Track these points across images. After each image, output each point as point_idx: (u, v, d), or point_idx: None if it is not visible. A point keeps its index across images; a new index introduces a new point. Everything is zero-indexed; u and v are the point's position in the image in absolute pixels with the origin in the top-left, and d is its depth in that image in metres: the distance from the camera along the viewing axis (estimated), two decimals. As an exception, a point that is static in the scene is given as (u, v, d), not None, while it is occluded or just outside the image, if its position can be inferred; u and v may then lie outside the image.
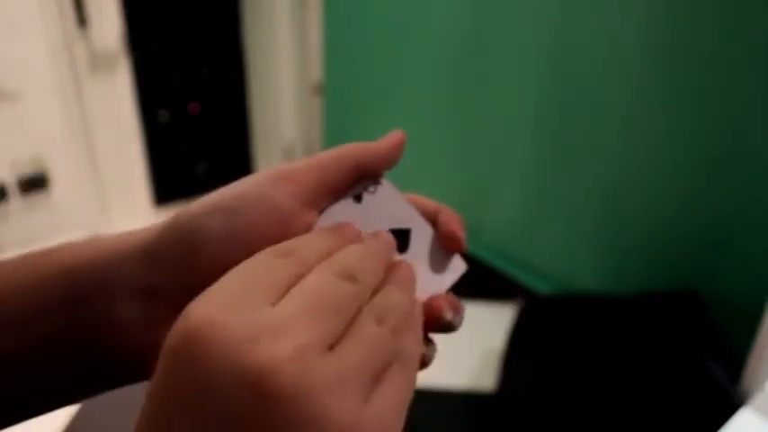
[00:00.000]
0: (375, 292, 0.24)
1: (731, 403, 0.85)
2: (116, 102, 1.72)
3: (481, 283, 1.54)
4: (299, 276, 0.23)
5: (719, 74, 1.04)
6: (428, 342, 0.30)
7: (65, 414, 1.24)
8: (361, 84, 1.76)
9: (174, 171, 1.95)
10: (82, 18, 1.56)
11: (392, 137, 0.31)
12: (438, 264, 0.32)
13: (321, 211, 0.29)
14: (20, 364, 0.25)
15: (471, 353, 1.41)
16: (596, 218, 1.30)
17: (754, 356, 0.88)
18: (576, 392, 0.96)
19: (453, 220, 0.31)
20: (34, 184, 1.57)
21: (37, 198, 1.58)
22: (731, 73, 1.03)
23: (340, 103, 1.88)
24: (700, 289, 1.14)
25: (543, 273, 1.45)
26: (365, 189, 0.31)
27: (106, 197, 1.78)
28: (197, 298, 0.21)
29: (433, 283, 0.31)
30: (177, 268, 0.25)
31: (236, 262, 0.25)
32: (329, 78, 1.87)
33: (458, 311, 0.30)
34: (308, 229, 0.28)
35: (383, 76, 1.67)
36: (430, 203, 0.32)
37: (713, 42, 1.03)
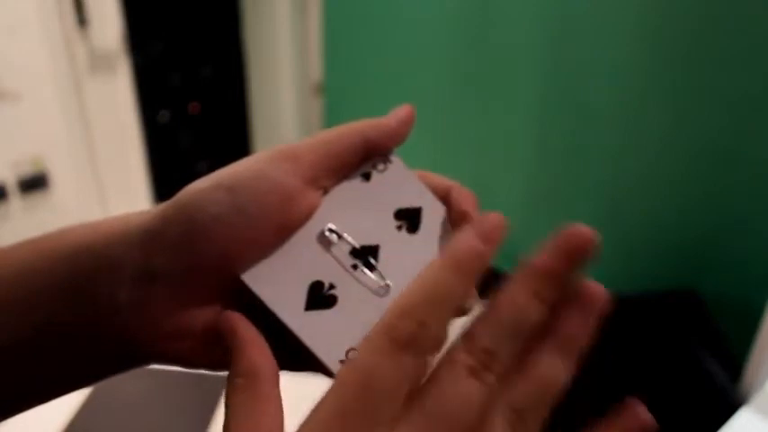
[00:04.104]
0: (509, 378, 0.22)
1: (731, 403, 0.85)
2: (116, 102, 1.72)
3: (481, 283, 1.54)
4: (420, 378, 0.21)
5: (722, 75, 1.04)
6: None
7: (65, 414, 1.24)
8: (361, 84, 1.76)
9: (174, 171, 1.95)
10: (82, 18, 1.56)
11: (400, 112, 0.29)
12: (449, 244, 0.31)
13: (327, 191, 0.29)
14: (21, 350, 0.25)
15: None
16: (597, 218, 1.30)
17: (754, 356, 0.88)
18: (576, 391, 0.96)
19: (466, 199, 0.30)
20: (34, 184, 1.57)
21: (37, 198, 1.58)
22: (734, 74, 1.03)
23: (340, 103, 1.88)
24: (700, 289, 1.14)
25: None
26: (374, 167, 0.30)
27: (106, 197, 1.78)
28: (306, 421, 0.20)
29: None
30: (178, 249, 0.24)
31: (237, 241, 0.25)
32: (329, 78, 1.87)
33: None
34: (311, 208, 0.27)
35: (383, 76, 1.67)
36: (442, 180, 0.31)
37: (716, 41, 1.03)
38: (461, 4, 1.40)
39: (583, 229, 0.22)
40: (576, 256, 0.22)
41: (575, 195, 1.33)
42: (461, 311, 0.28)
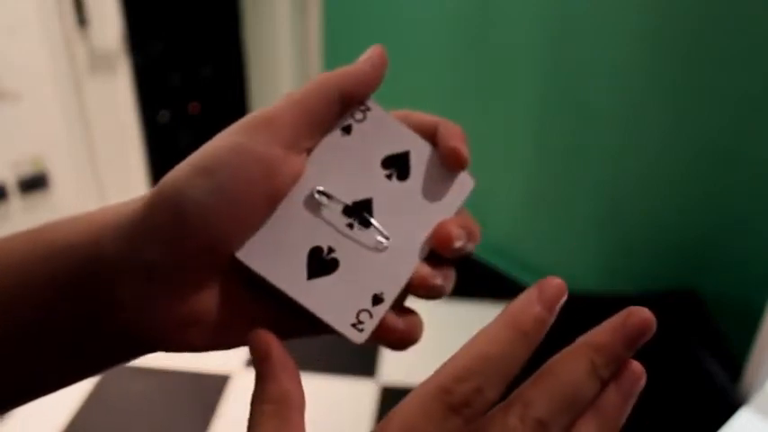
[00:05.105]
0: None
1: (731, 403, 0.85)
2: (116, 102, 1.72)
3: (481, 283, 1.54)
4: None
5: (722, 75, 1.04)
6: (445, 268, 0.28)
7: (65, 413, 1.24)
8: (361, 84, 1.76)
9: (174, 171, 1.95)
10: (82, 18, 1.56)
11: (372, 54, 0.28)
12: (443, 185, 0.29)
13: (309, 152, 0.27)
14: (18, 344, 0.24)
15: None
16: (597, 218, 1.30)
17: (754, 356, 0.88)
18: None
19: (453, 134, 0.28)
20: (34, 184, 1.57)
21: (37, 198, 1.58)
22: (734, 74, 1.03)
23: (340, 103, 1.88)
24: (700, 289, 1.14)
25: (543, 273, 1.44)
26: (353, 118, 0.28)
27: (106, 197, 1.78)
28: None
29: (441, 207, 0.28)
30: (168, 241, 0.24)
31: (226, 222, 0.24)
32: (329, 78, 1.87)
33: (472, 236, 0.28)
34: (297, 173, 0.26)
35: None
36: (426, 118, 0.29)
37: (716, 41, 1.03)
38: (461, 5, 1.40)
39: (648, 317, 0.23)
40: (638, 343, 0.23)
41: (575, 195, 1.33)
42: (462, 254, 0.28)
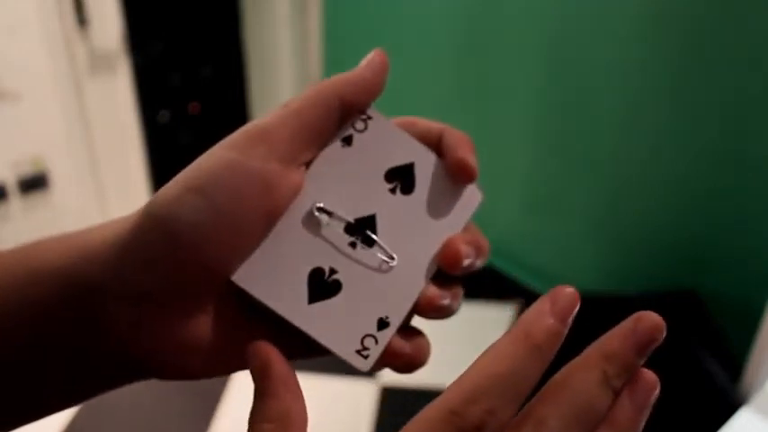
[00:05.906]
0: None
1: (731, 403, 0.85)
2: (116, 102, 1.72)
3: (481, 283, 1.54)
4: None
5: (722, 74, 1.04)
6: (453, 286, 0.26)
7: (65, 414, 1.24)
8: (361, 84, 1.76)
9: (173, 171, 1.95)
10: (82, 18, 1.56)
11: (373, 59, 0.26)
12: (450, 198, 0.27)
13: (308, 165, 0.26)
14: (19, 352, 0.24)
15: (471, 353, 1.41)
16: (596, 217, 1.30)
17: (754, 356, 0.88)
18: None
19: (460, 144, 0.26)
20: (34, 184, 1.57)
21: (37, 198, 1.58)
22: (733, 73, 1.03)
23: (340, 103, 1.88)
24: (700, 289, 1.14)
25: (543, 273, 1.45)
26: (353, 128, 0.26)
27: (106, 197, 1.78)
28: None
29: (448, 223, 0.27)
30: (159, 262, 0.22)
31: (222, 244, 0.23)
32: (329, 78, 1.87)
33: (481, 252, 0.26)
34: (296, 189, 0.25)
35: (383, 76, 1.67)
36: (432, 125, 0.27)
37: (715, 41, 1.03)
38: (461, 5, 1.40)
39: (658, 321, 0.22)
40: (649, 349, 0.22)
41: (574, 195, 1.33)
42: (471, 271, 0.26)
